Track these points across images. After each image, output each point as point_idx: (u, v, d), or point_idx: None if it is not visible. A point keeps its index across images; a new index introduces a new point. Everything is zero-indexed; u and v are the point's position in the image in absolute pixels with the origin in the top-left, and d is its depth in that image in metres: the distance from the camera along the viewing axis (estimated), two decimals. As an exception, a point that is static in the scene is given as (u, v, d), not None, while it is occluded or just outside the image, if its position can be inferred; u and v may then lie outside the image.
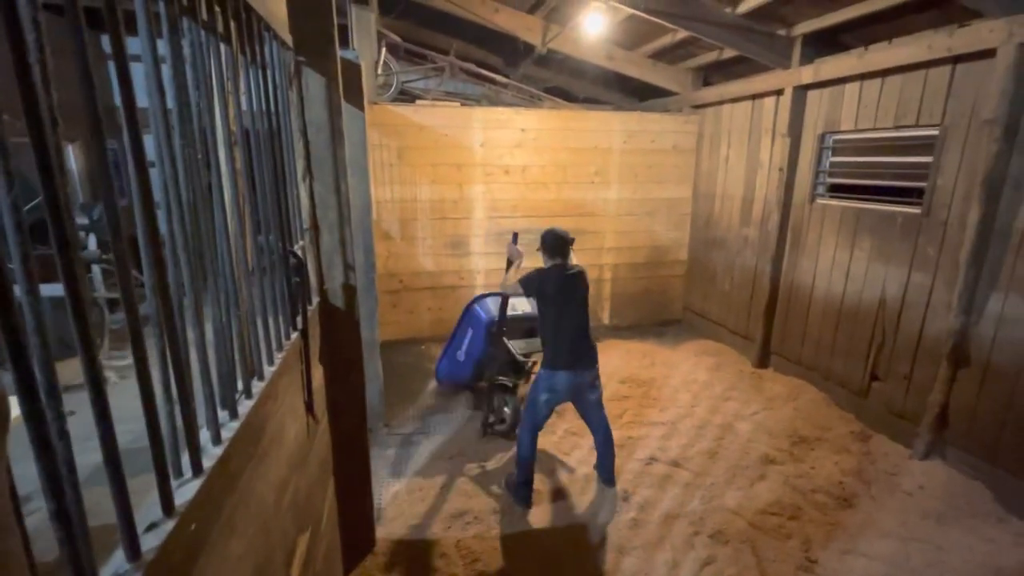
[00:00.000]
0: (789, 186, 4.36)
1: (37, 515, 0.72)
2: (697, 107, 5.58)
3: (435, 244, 5.22)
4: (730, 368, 4.78)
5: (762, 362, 4.77)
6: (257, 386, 1.23)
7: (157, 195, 0.85)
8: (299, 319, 1.67)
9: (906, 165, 3.46)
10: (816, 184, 4.17)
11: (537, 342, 3.30)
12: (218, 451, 0.96)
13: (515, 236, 3.21)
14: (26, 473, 0.60)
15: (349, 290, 2.10)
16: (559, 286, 2.74)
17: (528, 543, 2.59)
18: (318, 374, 1.95)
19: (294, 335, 1.61)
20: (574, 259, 2.86)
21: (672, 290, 6.09)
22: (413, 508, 2.85)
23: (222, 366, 1.10)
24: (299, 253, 1.66)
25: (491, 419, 3.56)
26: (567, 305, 2.76)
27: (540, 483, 3.07)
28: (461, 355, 3.81)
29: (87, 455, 0.77)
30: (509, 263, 3.08)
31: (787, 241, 4.49)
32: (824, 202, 4.12)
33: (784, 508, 2.87)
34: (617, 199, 5.57)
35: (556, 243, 2.81)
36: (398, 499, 2.93)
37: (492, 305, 3.64)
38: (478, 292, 5.45)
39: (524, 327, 3.65)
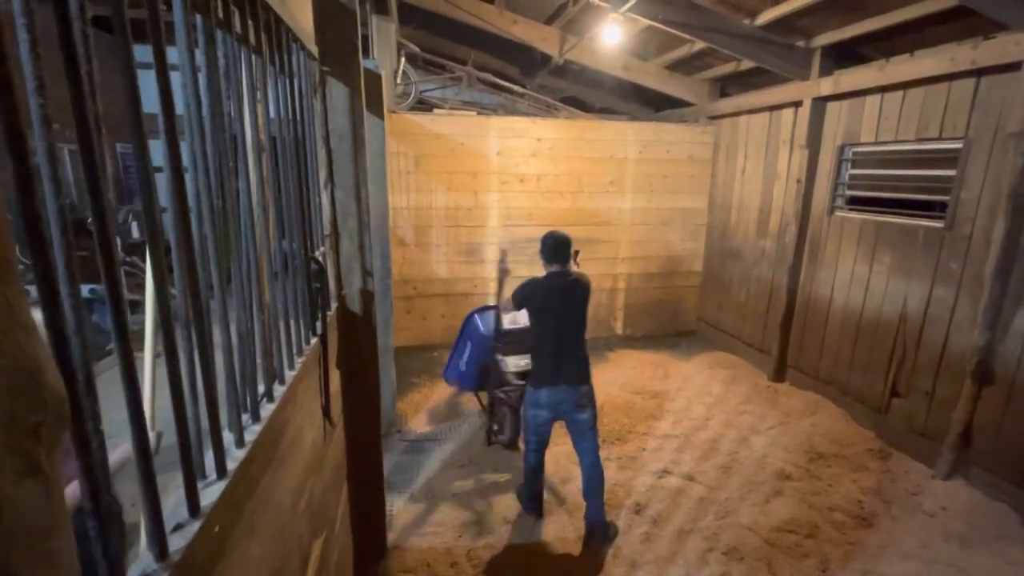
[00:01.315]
0: (807, 198, 4.32)
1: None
2: (713, 118, 5.56)
3: (449, 251, 5.25)
4: (745, 381, 4.72)
5: (778, 376, 4.70)
6: (279, 390, 1.25)
7: (189, 200, 0.87)
8: (319, 324, 1.69)
9: (928, 178, 3.41)
10: (835, 196, 4.12)
11: None
12: (241, 454, 0.97)
13: (503, 253, 3.15)
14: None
15: (367, 296, 2.12)
16: (547, 295, 2.55)
17: (539, 554, 2.57)
18: (335, 379, 1.97)
19: (314, 340, 1.62)
20: (576, 266, 2.69)
21: (686, 301, 6.04)
22: (424, 515, 2.84)
23: (246, 369, 1.11)
24: (320, 259, 1.68)
25: (494, 427, 3.53)
26: (555, 316, 2.55)
27: (552, 493, 3.05)
28: (462, 364, 3.75)
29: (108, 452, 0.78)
30: (500, 282, 3.03)
31: (805, 253, 4.44)
32: (843, 215, 4.07)
33: (801, 526, 2.81)
34: (632, 209, 5.56)
35: (554, 246, 2.60)
36: (410, 506, 2.93)
37: (491, 319, 3.55)
38: (491, 301, 5.48)
39: (526, 341, 3.61)
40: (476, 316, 3.74)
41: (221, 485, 0.87)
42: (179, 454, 0.80)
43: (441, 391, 4.40)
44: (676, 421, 3.96)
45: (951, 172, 3.21)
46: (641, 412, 4.08)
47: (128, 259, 4.92)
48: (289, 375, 1.34)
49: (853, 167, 4.00)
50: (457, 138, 4.99)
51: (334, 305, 2.02)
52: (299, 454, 1.39)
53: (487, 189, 5.17)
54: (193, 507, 0.80)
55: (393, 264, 4.91)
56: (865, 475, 3.28)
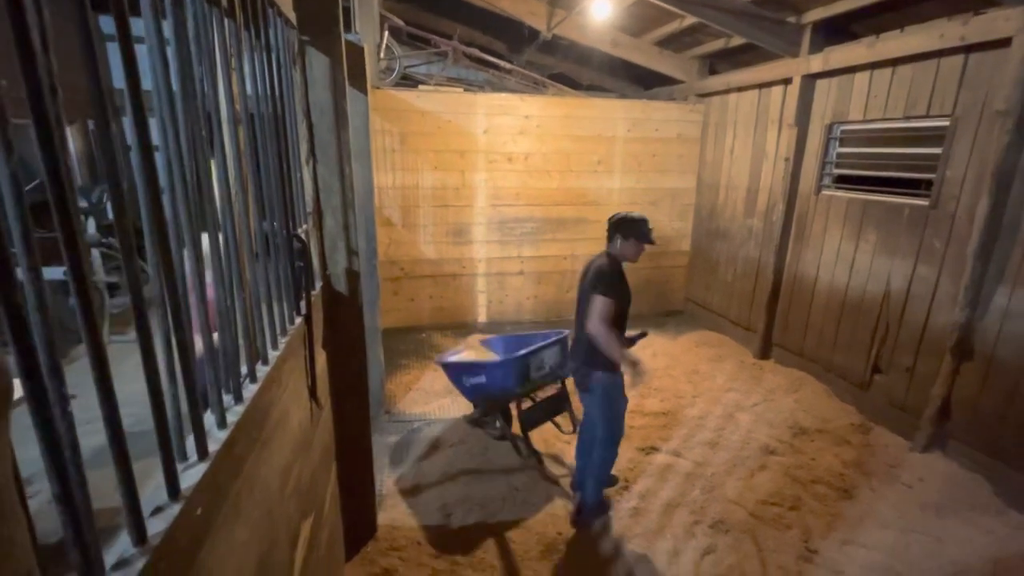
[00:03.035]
0: (795, 177, 4.32)
1: (40, 497, 0.70)
2: (703, 96, 5.51)
3: (436, 232, 5.19)
4: (731, 359, 4.78)
5: (763, 353, 4.77)
6: (262, 371, 1.22)
7: (160, 175, 0.83)
8: (303, 304, 1.65)
9: (915, 156, 3.42)
10: (822, 175, 4.13)
11: None
12: (223, 435, 0.94)
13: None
14: (27, 456, 0.58)
15: (352, 275, 2.08)
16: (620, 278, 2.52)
17: (530, 530, 2.60)
18: (321, 359, 1.94)
19: (298, 320, 1.59)
20: (617, 245, 2.50)
21: (674, 281, 6.07)
22: (414, 495, 2.85)
23: (227, 350, 1.08)
24: (303, 237, 1.63)
25: (485, 418, 3.47)
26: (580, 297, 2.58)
27: (546, 472, 3.08)
28: (467, 383, 3.33)
29: (88, 437, 0.75)
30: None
31: (792, 232, 4.47)
32: (830, 193, 4.08)
33: (784, 499, 2.88)
34: (620, 188, 5.53)
35: (608, 226, 2.56)
36: (399, 486, 2.94)
37: (514, 373, 3.00)
38: (479, 281, 5.45)
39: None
40: (505, 363, 3.07)
41: (203, 467, 0.85)
42: (156, 436, 0.77)
43: (430, 373, 4.39)
44: (663, 399, 4.00)
45: (937, 150, 3.22)
46: (628, 391, 4.10)
47: (105, 240, 4.78)
48: (273, 355, 1.30)
49: (841, 145, 4.00)
50: (444, 115, 4.89)
51: (319, 285, 1.97)
52: (286, 435, 1.36)
53: (474, 168, 5.09)
54: (173, 490, 0.77)
55: (379, 245, 4.84)
56: (847, 449, 3.36)
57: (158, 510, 0.74)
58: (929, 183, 3.33)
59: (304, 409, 1.59)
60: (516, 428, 3.19)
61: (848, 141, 3.95)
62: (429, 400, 3.98)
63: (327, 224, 1.98)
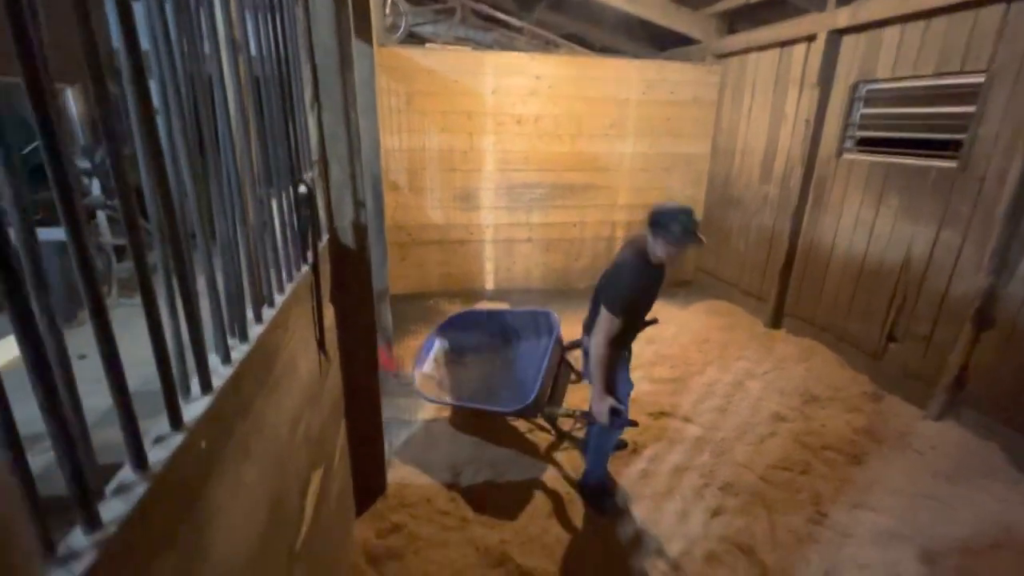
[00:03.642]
0: (815, 140, 4.17)
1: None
2: (720, 56, 5.29)
3: (444, 196, 5.09)
4: (742, 328, 4.72)
5: (775, 323, 4.70)
6: (267, 313, 1.17)
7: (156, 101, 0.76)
8: (309, 253, 1.59)
9: (944, 116, 3.27)
10: (844, 137, 3.97)
11: None
12: (228, 371, 0.90)
13: None
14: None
15: (360, 229, 2.02)
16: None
17: (540, 489, 2.60)
18: (329, 313, 1.89)
19: (304, 268, 1.54)
20: (648, 242, 2.19)
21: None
22: (423, 455, 2.86)
23: (231, 289, 1.03)
24: (308, 182, 1.56)
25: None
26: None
27: (558, 438, 3.07)
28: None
29: (94, 398, 0.71)
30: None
31: (809, 198, 4.34)
32: (852, 157, 3.94)
33: (794, 464, 2.86)
34: (632, 153, 5.38)
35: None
36: (408, 446, 2.94)
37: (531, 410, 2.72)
38: (487, 247, 5.37)
39: None
40: (523, 411, 2.76)
41: (206, 400, 0.81)
42: (156, 365, 0.73)
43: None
44: (672, 366, 3.97)
45: (970, 109, 3.07)
46: (637, 357, 4.06)
47: (110, 202, 4.74)
48: (278, 299, 1.26)
49: (866, 106, 3.84)
50: (451, 75, 4.73)
51: (325, 238, 1.92)
52: (294, 383, 1.33)
53: (483, 131, 4.95)
54: (176, 420, 0.73)
55: (387, 209, 4.75)
56: (858, 416, 3.33)
57: (160, 440, 0.70)
58: (958, 144, 3.18)
59: (312, 360, 1.56)
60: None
61: (873, 101, 3.78)
62: (437, 364, 3.96)
63: (333, 174, 1.91)
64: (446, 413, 3.29)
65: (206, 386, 0.83)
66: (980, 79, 3.00)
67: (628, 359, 2.51)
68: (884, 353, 3.71)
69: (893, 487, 2.73)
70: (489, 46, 5.63)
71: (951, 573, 2.18)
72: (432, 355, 3.24)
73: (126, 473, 0.63)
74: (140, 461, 0.63)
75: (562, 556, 2.22)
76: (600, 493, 2.55)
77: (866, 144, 3.89)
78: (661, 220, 2.10)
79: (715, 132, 5.48)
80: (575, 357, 2.95)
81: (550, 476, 2.71)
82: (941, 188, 3.25)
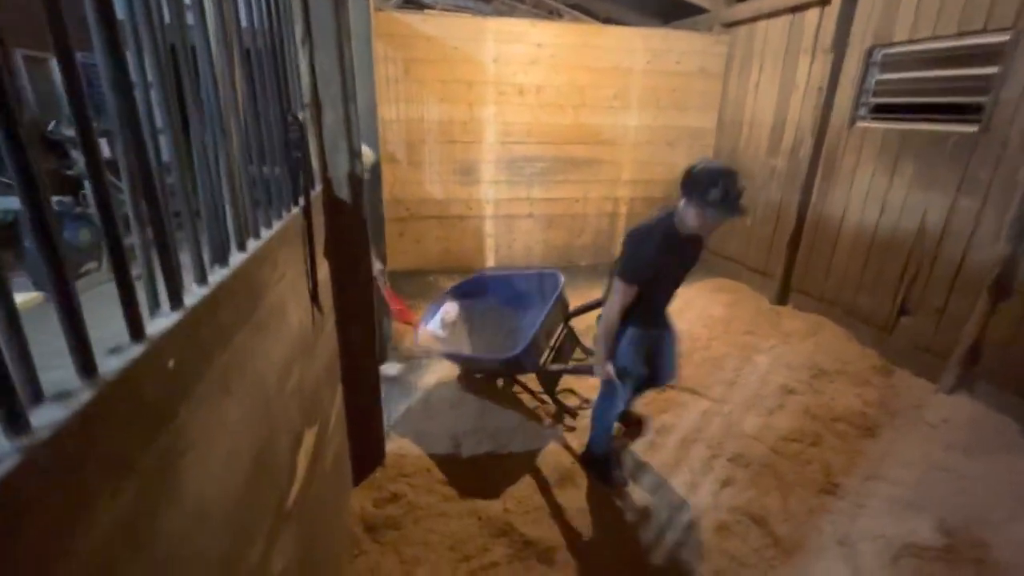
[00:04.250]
0: (827, 108, 4.03)
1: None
2: (728, 25, 5.13)
3: (443, 170, 4.95)
4: (747, 305, 4.63)
5: (781, 299, 4.61)
6: (252, 245, 1.06)
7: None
8: (301, 198, 1.47)
9: (964, 79, 3.14)
10: (858, 105, 3.84)
11: None
12: (203, 292, 0.79)
13: None
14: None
15: (355, 180, 1.90)
16: None
17: (544, 460, 2.52)
18: (324, 269, 1.78)
19: (295, 210, 1.42)
20: (680, 207, 1.93)
21: (688, 227, 5.84)
22: (422, 426, 2.77)
23: (210, 211, 0.92)
24: (299, 117, 1.44)
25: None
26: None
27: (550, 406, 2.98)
28: (471, 366, 3.18)
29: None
30: None
31: (819, 170, 4.21)
32: (865, 125, 3.81)
33: (804, 435, 2.78)
34: (637, 126, 5.23)
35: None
36: (407, 418, 2.85)
37: (530, 357, 2.66)
38: (487, 223, 5.25)
39: None
40: (521, 355, 2.69)
41: (176, 316, 0.70)
42: (111, 264, 0.62)
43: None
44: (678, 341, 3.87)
45: (992, 70, 2.94)
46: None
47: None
48: (266, 233, 1.14)
49: (881, 71, 3.70)
50: (450, 42, 4.56)
51: (319, 187, 1.80)
52: (284, 329, 1.22)
53: (483, 101, 4.80)
54: (136, 330, 0.62)
55: (384, 183, 4.62)
56: (868, 390, 3.25)
57: (117, 350, 0.60)
58: (979, 107, 3.06)
59: (305, 311, 1.45)
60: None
61: (889, 66, 3.64)
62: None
63: (327, 119, 1.79)
64: (447, 383, 3.19)
65: (176, 302, 0.72)
66: (1005, 38, 2.87)
67: (658, 342, 2.29)
68: (895, 327, 3.62)
69: (907, 459, 2.65)
70: (489, 14, 5.44)
71: (970, 544, 2.11)
72: (440, 315, 3.21)
73: (70, 379, 0.52)
74: (86, 365, 0.52)
75: (567, 527, 2.14)
76: (603, 464, 2.45)
77: (881, 111, 3.76)
78: (697, 182, 1.74)
79: (721, 104, 5.34)
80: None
81: (554, 448, 2.63)
82: (959, 154, 3.14)
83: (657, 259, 1.96)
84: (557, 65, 4.83)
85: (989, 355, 3.03)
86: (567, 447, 2.63)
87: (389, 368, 3.26)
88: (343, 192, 1.89)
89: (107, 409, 0.53)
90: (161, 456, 0.64)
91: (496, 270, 3.57)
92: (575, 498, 2.30)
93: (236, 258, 0.96)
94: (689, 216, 1.86)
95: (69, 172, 4.61)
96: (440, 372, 3.36)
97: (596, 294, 5.18)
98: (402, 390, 3.12)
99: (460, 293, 3.42)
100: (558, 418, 2.88)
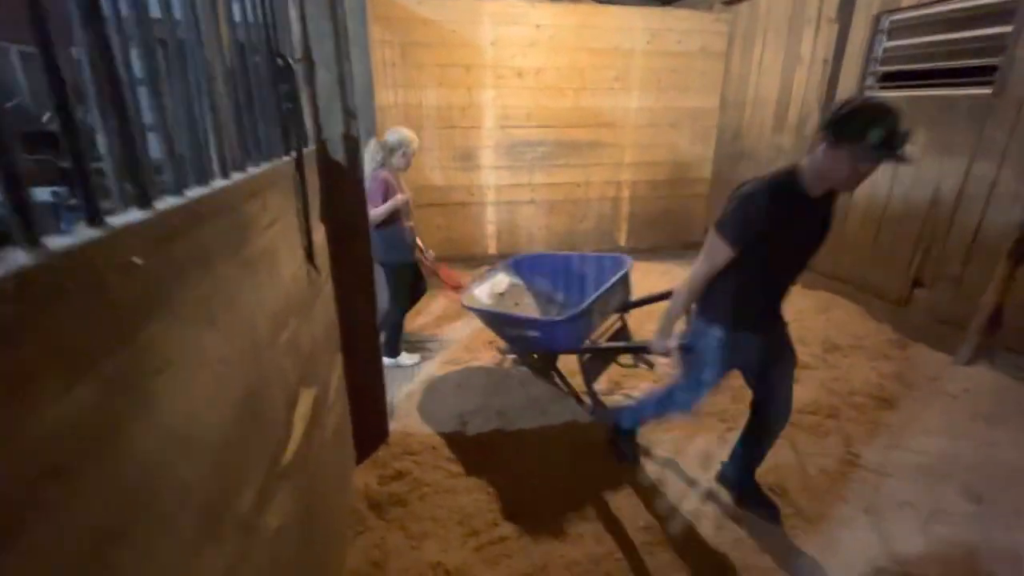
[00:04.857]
0: (833, 81, 3.95)
1: None
2: (728, 3, 5.04)
3: (443, 156, 4.88)
4: (755, 285, 4.53)
5: (790, 278, 4.51)
6: (235, 176, 0.99)
7: None
8: (293, 151, 1.40)
9: (976, 39, 3.04)
10: (866, 75, 3.75)
11: None
12: (176, 201, 0.72)
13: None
14: None
15: (351, 142, 1.83)
16: None
17: (553, 438, 2.44)
18: (320, 233, 1.71)
19: (287, 159, 1.35)
20: (818, 153, 1.50)
21: (693, 211, 5.76)
22: (427, 405, 2.69)
23: (189, 131, 0.85)
24: (288, 60, 1.37)
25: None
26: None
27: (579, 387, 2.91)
28: (511, 334, 2.80)
29: None
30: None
31: (826, 144, 4.12)
32: (873, 95, 3.72)
33: (821, 408, 2.69)
34: (638, 108, 5.15)
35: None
36: (412, 398, 2.78)
37: (578, 330, 2.49)
38: (488, 210, 5.17)
39: None
40: (570, 323, 2.46)
41: (143, 215, 0.63)
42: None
43: (441, 300, 4.19)
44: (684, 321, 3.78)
45: (1006, 28, 2.85)
46: (652, 313, 3.89)
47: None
48: (253, 170, 1.07)
49: (889, 38, 3.61)
50: (448, 25, 4.49)
51: (312, 146, 1.73)
52: (274, 277, 1.15)
53: (482, 85, 4.72)
54: (92, 215, 0.55)
55: (383, 169, 4.54)
56: (884, 363, 3.16)
57: (70, 232, 0.52)
58: (992, 69, 2.97)
59: (299, 265, 1.38)
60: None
61: (897, 32, 3.55)
62: (440, 324, 3.80)
63: (319, 77, 1.72)
64: (452, 365, 3.12)
65: (143, 200, 0.65)
66: (1018, -6, 2.78)
67: (761, 356, 1.78)
68: (909, 300, 3.52)
69: (929, 429, 2.56)
70: None
71: (1002, 510, 2.02)
72: (489, 283, 3.09)
73: (11, 251, 0.45)
74: (29, 228, 0.45)
75: (578, 502, 2.06)
76: (627, 438, 2.31)
77: (889, 80, 3.67)
78: (852, 120, 1.38)
79: (724, 85, 5.25)
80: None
81: (564, 425, 2.55)
82: (974, 117, 3.04)
83: (774, 215, 1.51)
84: (556, 47, 4.75)
85: (1009, 323, 2.94)
86: (577, 424, 2.55)
87: (406, 359, 3.16)
88: (338, 153, 1.82)
89: (54, 285, 0.46)
90: (130, 365, 0.57)
91: (556, 253, 3.49)
92: (586, 473, 2.22)
93: (218, 183, 0.89)
94: (834, 163, 1.44)
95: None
96: (444, 353, 3.28)
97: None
98: (405, 373, 3.05)
99: (515, 267, 3.31)
100: (568, 394, 2.78)
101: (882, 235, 3.70)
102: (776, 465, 2.25)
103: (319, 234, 1.70)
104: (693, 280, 1.71)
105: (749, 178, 1.67)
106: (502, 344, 3.13)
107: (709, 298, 1.75)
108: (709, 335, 1.76)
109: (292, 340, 1.27)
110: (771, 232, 1.55)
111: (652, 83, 5.09)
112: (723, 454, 2.36)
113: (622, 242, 5.65)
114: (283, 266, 1.23)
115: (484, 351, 3.30)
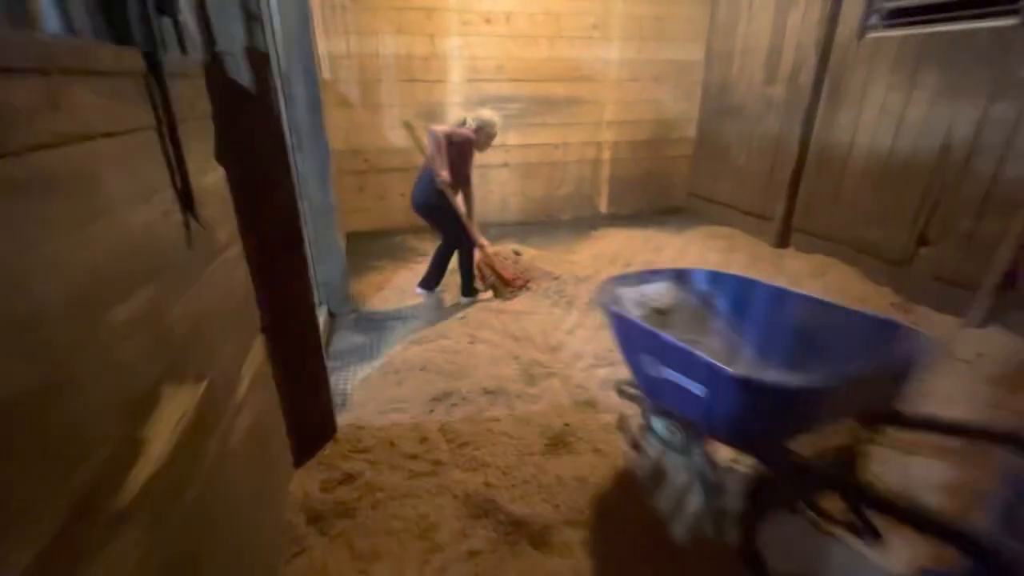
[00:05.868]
0: (832, 22, 3.60)
1: None
2: (716, -59, 4.61)
3: (404, 113, 4.38)
4: (745, 250, 4.25)
5: (782, 241, 4.24)
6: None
7: None
8: (149, 48, 0.97)
9: (998, -36, 2.72)
10: (869, 13, 3.40)
11: None
12: None
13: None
14: None
15: (259, 59, 1.39)
16: None
17: (528, 423, 2.10)
18: (215, 176, 1.29)
19: (131, 52, 0.92)
20: None
21: (676, 174, 5.42)
22: (387, 392, 2.32)
23: None
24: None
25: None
26: None
27: (542, 363, 2.56)
28: (653, 372, 1.51)
29: None
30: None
31: (823, 94, 3.79)
32: (877, 35, 3.38)
33: (829, 380, 2.41)
34: (619, 60, 4.72)
35: None
36: (369, 384, 2.40)
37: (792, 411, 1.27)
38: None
39: None
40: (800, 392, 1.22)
41: None
42: None
43: (406, 272, 3.79)
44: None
45: (1033, -53, 2.52)
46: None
47: None
48: (33, 36, 0.65)
49: (896, -31, 3.26)
50: (404, -40, 3.96)
51: (199, 59, 1.29)
52: (98, 223, 0.75)
53: (446, 32, 4.23)
54: None
55: (338, 131, 4.08)
56: (890, 328, 2.90)
57: None
58: (1015, -3, 2.65)
59: (164, 215, 0.97)
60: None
61: (905, -37, 3.20)
62: (404, 299, 3.40)
63: (204, -38, 1.27)
64: (416, 345, 2.74)
65: None
66: (1050, -95, 2.44)
67: None
68: (913, 260, 3.27)
69: (946, 396, 2.31)
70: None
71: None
72: (642, 288, 1.93)
73: None
74: None
75: (563, 501, 1.73)
76: None
77: (895, 16, 3.33)
78: None
79: (710, 34, 4.86)
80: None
81: (541, 408, 2.21)
82: (993, 53, 2.74)
83: None
84: (528, -12, 4.27)
85: (1025, 281, 2.70)
86: (561, 406, 2.22)
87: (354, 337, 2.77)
88: (241, 74, 1.38)
89: None
90: None
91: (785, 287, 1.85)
92: (571, 466, 1.89)
93: None
94: None
95: None
96: (406, 332, 2.90)
97: (579, 253, 4.76)
98: (361, 355, 2.66)
99: (692, 281, 2.01)
100: (546, 374, 2.44)
101: (884, 192, 3.41)
102: (788, 448, 1.96)
103: (214, 179, 1.28)
104: None
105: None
106: (628, 378, 1.87)
107: None
108: None
109: (150, 319, 0.87)
110: None
111: (634, 32, 4.66)
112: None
113: (603, 208, 5.29)
114: (117, 207, 0.82)
115: (451, 330, 2.93)
